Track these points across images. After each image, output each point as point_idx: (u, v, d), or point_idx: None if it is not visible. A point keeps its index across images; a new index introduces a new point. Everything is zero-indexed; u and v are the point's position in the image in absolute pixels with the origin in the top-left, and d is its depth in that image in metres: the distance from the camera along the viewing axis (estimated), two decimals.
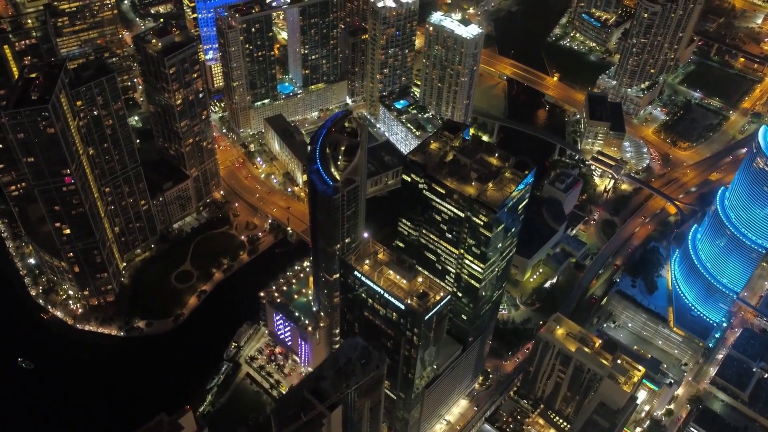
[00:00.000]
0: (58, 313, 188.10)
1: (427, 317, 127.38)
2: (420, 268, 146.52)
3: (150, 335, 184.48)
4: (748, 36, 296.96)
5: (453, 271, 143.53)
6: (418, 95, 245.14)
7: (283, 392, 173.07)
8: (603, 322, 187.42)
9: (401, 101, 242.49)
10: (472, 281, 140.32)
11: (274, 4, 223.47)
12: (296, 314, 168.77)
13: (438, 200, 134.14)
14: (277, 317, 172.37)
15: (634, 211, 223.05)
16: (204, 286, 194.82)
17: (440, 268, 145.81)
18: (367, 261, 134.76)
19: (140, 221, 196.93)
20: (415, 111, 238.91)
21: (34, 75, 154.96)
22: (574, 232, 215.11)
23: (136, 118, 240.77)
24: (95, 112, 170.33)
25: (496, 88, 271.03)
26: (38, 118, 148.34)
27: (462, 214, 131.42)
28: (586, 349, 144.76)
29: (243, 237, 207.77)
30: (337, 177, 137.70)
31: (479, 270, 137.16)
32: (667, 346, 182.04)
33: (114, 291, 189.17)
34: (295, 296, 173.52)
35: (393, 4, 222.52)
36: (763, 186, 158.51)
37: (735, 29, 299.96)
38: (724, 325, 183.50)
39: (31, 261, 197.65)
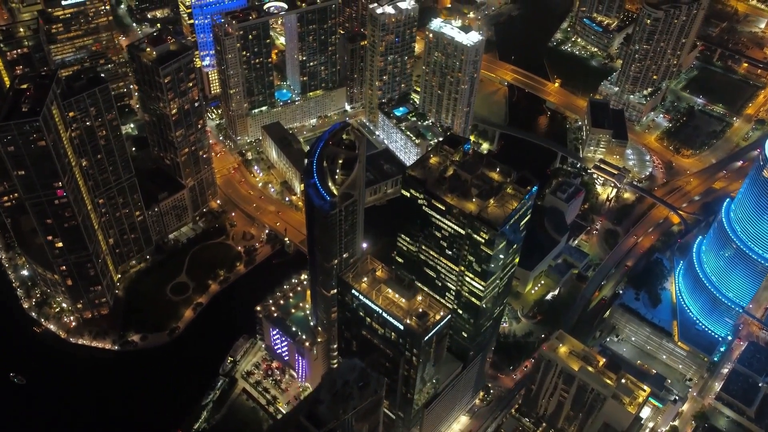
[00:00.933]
0: (51, 327, 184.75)
1: (426, 338, 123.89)
2: (419, 284, 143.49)
3: (145, 349, 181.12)
4: (752, 41, 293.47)
5: (453, 288, 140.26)
6: (417, 102, 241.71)
7: (280, 408, 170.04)
8: (606, 335, 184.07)
9: (401, 108, 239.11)
10: (473, 299, 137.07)
11: (272, 9, 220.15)
12: (293, 329, 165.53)
13: (438, 216, 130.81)
14: (274, 332, 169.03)
15: (636, 220, 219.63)
16: (200, 299, 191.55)
17: (440, 284, 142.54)
18: (365, 278, 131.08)
19: (135, 232, 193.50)
20: (414, 118, 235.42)
21: (25, 86, 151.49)
22: (576, 242, 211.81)
23: (132, 125, 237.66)
24: (88, 123, 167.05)
25: (497, 95, 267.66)
26: (29, 131, 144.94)
27: (462, 231, 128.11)
28: (590, 368, 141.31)
29: (240, 248, 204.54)
30: (335, 192, 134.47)
31: (480, 287, 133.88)
32: (672, 360, 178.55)
33: (108, 304, 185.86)
34: (293, 310, 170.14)
35: (392, 11, 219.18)
36: None
37: (738, 34, 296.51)
38: (729, 338, 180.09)
39: (24, 273, 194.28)
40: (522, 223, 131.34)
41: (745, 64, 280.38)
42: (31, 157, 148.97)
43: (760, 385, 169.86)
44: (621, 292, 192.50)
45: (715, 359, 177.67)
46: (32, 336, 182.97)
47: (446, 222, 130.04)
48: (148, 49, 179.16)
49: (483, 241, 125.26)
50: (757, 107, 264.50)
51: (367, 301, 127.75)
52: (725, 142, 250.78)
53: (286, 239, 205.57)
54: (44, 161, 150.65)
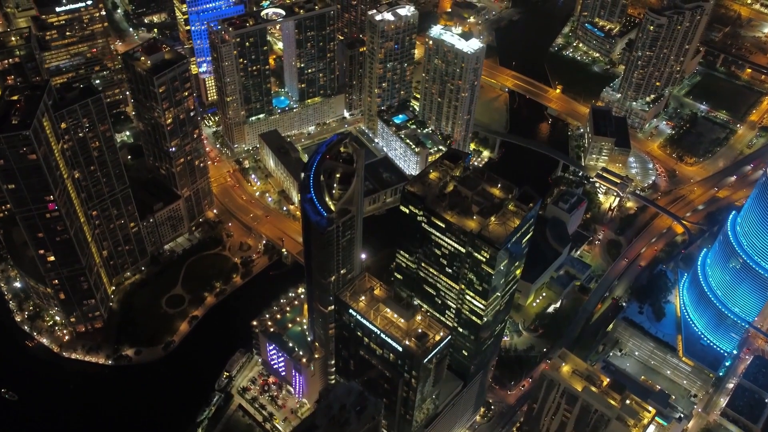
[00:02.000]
0: (44, 340, 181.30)
1: (426, 359, 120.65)
2: (419, 302, 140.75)
3: (139, 364, 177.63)
4: (755, 46, 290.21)
5: (453, 306, 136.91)
6: (417, 109, 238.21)
7: (277, 425, 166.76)
8: (609, 350, 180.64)
9: (400, 116, 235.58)
10: (474, 317, 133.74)
11: (270, 16, 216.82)
12: (290, 345, 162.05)
13: (437, 234, 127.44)
14: (271, 347, 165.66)
15: (640, 230, 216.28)
16: (195, 312, 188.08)
17: (440, 302, 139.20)
18: (363, 297, 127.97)
19: (129, 244, 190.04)
20: (414, 126, 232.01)
21: (15, 97, 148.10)
22: (578, 253, 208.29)
23: (128, 133, 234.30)
24: (81, 135, 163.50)
25: (498, 101, 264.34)
26: (19, 144, 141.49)
27: (463, 250, 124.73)
28: (593, 389, 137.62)
29: (236, 259, 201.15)
30: (332, 207, 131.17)
31: (481, 306, 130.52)
32: (676, 376, 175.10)
33: (102, 317, 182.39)
34: (289, 325, 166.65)
35: (391, 18, 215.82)
36: None
37: (741, 39, 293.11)
38: (735, 353, 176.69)
39: (17, 285, 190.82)
40: (524, 240, 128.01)
41: (749, 70, 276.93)
42: (22, 170, 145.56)
43: (766, 401, 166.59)
44: (624, 305, 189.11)
45: (721, 374, 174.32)
46: (25, 350, 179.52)
47: (446, 240, 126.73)
48: (143, 58, 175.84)
49: (484, 259, 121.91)
50: (761, 113, 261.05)
51: (364, 321, 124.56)
52: (729, 150, 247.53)
53: (284, 250, 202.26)
54: (35, 174, 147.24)
